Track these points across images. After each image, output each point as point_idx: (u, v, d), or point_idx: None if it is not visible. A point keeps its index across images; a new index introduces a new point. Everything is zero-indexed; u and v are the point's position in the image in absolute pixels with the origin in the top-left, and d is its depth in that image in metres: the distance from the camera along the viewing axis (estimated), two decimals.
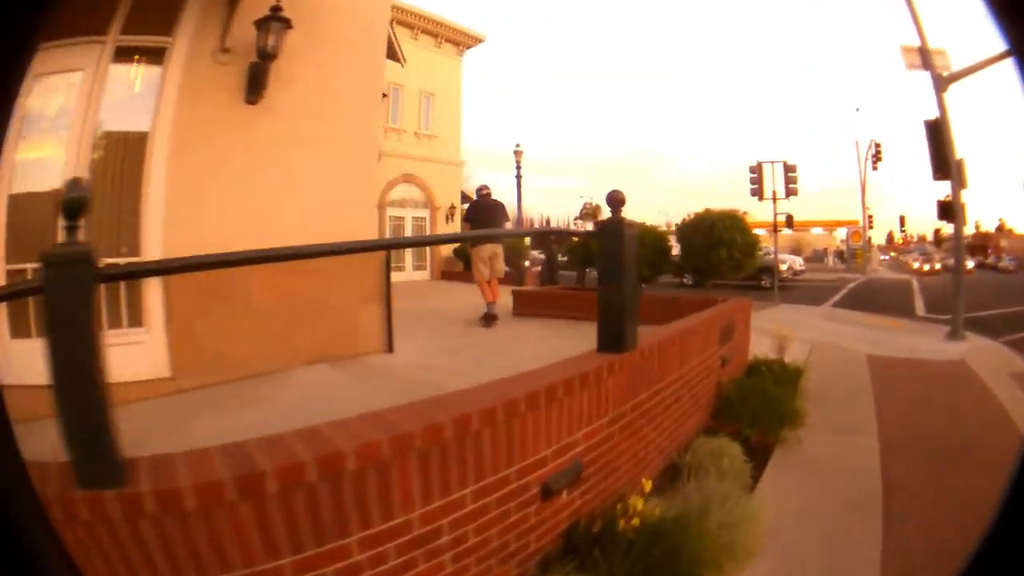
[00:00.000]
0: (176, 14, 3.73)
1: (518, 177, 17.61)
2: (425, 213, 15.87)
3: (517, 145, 18.49)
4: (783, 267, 16.34)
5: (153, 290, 3.66)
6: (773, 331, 5.99)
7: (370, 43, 4.49)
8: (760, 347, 5.53)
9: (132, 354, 3.56)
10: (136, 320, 3.68)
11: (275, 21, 3.57)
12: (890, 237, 45.61)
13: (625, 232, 2.62)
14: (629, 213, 2.72)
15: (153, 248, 3.64)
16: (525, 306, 7.14)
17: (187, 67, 3.70)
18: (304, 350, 3.91)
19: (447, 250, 15.44)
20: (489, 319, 6.07)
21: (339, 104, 4.23)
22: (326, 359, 3.98)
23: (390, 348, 4.32)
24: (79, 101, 3.61)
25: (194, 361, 3.63)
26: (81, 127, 3.62)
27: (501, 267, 6.54)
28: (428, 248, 15.78)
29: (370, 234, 4.56)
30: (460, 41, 16.66)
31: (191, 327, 3.68)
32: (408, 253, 15.24)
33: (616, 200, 2.69)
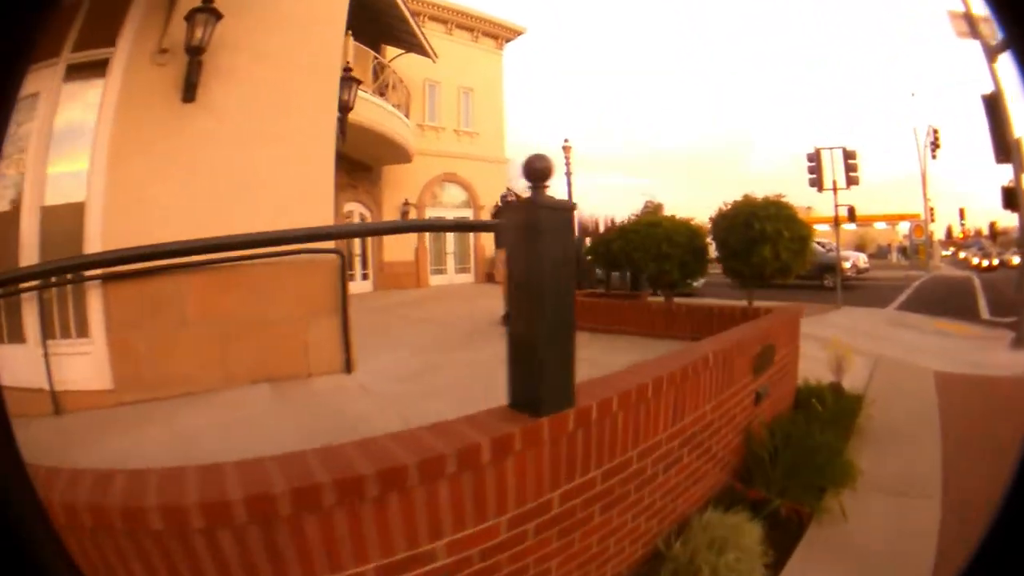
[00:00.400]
0: (120, 23, 3.60)
1: (567, 174, 16.93)
2: (468, 213, 15.56)
3: (565, 141, 17.79)
4: (846, 265, 14.65)
5: (96, 300, 3.55)
6: (831, 342, 5.01)
7: (325, 29, 4.11)
8: (815, 365, 4.56)
9: (79, 364, 3.54)
10: (83, 331, 3.60)
11: (201, 12, 3.27)
12: (949, 231, 40.15)
13: (542, 219, 1.67)
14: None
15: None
16: None
17: (126, 74, 3.55)
18: (247, 369, 3.62)
19: (492, 251, 15.08)
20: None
21: (290, 96, 3.90)
22: (272, 378, 3.66)
23: (348, 367, 3.91)
24: (37, 123, 3.61)
25: (134, 375, 3.52)
26: (37, 146, 3.60)
27: None
28: (472, 250, 15.50)
29: None
30: (498, 35, 16.15)
31: (131, 340, 3.55)
32: (450, 256, 15.04)
33: (535, 171, 1.73)
